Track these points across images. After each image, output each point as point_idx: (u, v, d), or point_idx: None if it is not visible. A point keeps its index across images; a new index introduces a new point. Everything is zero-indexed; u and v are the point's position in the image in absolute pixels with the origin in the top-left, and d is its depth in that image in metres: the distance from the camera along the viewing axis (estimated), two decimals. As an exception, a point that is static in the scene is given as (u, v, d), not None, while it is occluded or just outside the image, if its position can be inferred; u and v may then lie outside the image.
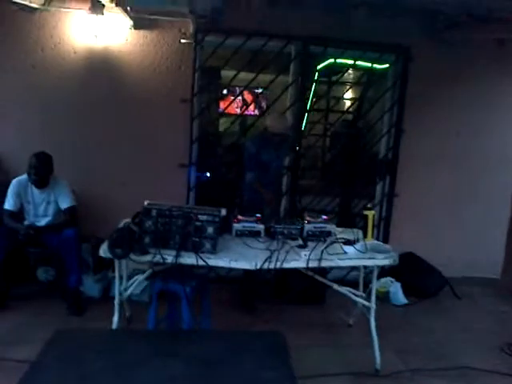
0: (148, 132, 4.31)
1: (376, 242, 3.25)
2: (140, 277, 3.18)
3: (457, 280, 4.68)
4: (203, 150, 4.92)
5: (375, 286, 3.21)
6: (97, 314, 3.66)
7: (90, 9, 3.94)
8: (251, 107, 7.49)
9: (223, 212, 3.11)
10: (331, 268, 4.13)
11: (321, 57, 5.93)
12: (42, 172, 3.74)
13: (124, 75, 4.22)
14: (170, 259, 2.80)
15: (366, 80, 5.84)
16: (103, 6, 3.90)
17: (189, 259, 2.82)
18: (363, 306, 3.31)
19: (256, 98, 7.29)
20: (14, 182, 3.80)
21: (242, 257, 2.91)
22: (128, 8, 3.85)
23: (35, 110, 4.20)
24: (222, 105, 6.75)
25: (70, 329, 2.67)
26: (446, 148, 4.64)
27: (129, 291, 3.20)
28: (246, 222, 3.35)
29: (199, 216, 2.88)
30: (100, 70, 4.18)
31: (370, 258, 2.97)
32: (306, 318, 3.96)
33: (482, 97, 4.59)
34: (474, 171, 4.72)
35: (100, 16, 3.98)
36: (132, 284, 3.20)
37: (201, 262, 2.80)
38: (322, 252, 2.94)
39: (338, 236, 3.25)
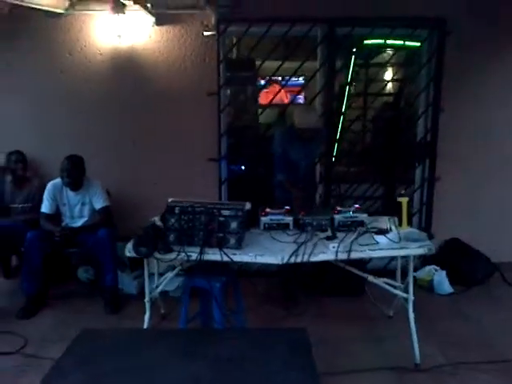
0: (177, 128, 4.30)
1: (412, 229, 3.06)
2: (170, 274, 3.18)
3: (508, 266, 4.39)
4: (239, 143, 4.87)
5: (412, 275, 3.03)
6: (134, 311, 3.70)
7: (111, 9, 3.95)
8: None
9: (248, 206, 3.04)
10: (370, 258, 4.02)
11: (355, 38, 5.72)
12: (75, 174, 3.82)
13: (150, 72, 4.22)
14: (194, 256, 2.77)
15: (405, 59, 5.58)
16: (124, 5, 3.91)
17: (213, 256, 2.78)
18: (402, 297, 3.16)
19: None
20: (49, 185, 3.90)
21: (268, 251, 2.83)
22: (148, 4, 3.84)
23: (65, 113, 4.29)
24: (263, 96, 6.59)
25: (96, 328, 2.68)
26: (491, 125, 4.32)
27: (159, 289, 3.20)
28: (274, 214, 3.26)
29: (222, 211, 2.83)
30: (126, 69, 4.21)
31: (402, 248, 2.81)
32: (345, 311, 3.83)
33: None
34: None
35: (122, 15, 3.99)
36: (162, 281, 3.21)
37: (225, 258, 2.75)
38: (352, 243, 2.81)
39: (370, 225, 3.11)
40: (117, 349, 2.01)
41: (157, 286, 3.24)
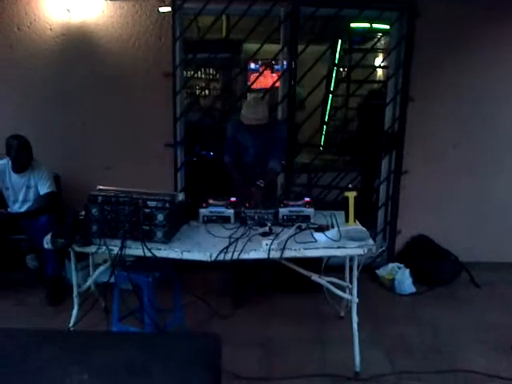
0: (131, 110, 4.05)
1: (357, 227, 2.82)
2: (102, 267, 2.98)
3: (480, 266, 4.15)
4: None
5: (356, 276, 2.80)
6: (76, 303, 3.52)
7: (59, -19, 3.70)
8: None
9: (180, 197, 2.84)
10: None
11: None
12: (25, 154, 3.63)
13: (103, 50, 3.95)
14: (116, 250, 2.57)
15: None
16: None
17: (136, 250, 2.59)
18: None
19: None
20: (-10, 168, 3.70)
21: (198, 246, 2.63)
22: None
23: (14, 92, 4.03)
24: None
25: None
26: (462, 116, 4.04)
27: (89, 282, 3.02)
28: (215, 206, 3.05)
29: (148, 202, 2.62)
30: (78, 45, 3.93)
31: (339, 248, 2.59)
32: (297, 309, 3.63)
33: (502, 56, 3.95)
34: (497, 142, 4.10)
35: (72, -12, 3.74)
36: (93, 274, 3.02)
37: (148, 254, 2.55)
38: (287, 241, 2.60)
39: (314, 221, 2.89)
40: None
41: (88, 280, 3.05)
